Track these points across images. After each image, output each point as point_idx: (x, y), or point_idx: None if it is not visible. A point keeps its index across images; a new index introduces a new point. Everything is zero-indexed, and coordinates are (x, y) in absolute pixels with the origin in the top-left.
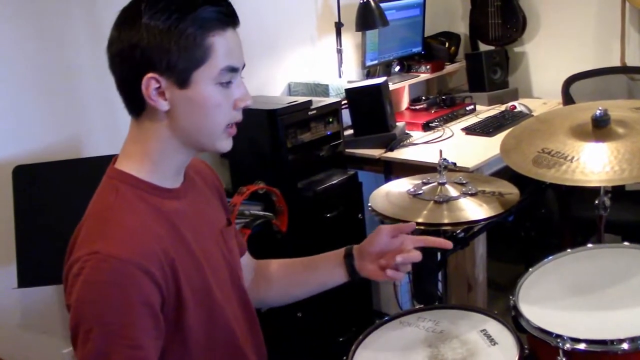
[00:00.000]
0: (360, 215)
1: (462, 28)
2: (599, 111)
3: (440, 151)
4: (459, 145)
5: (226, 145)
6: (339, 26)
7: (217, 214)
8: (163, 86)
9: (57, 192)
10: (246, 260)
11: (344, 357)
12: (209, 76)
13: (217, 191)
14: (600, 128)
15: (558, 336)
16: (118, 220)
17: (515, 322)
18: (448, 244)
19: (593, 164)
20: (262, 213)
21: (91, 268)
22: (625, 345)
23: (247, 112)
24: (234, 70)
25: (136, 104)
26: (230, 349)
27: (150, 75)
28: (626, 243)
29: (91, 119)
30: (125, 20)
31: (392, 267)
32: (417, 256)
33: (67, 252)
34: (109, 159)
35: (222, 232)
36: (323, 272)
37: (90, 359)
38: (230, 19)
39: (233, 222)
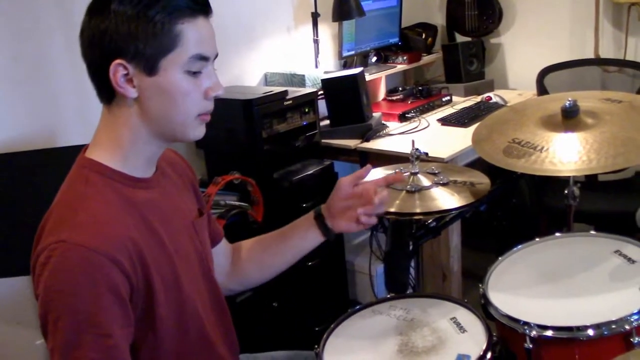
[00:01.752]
0: None
1: (439, 19)
2: (568, 102)
3: (413, 141)
4: (435, 135)
5: (198, 133)
6: (315, 16)
7: (188, 205)
8: (131, 73)
9: (28, 182)
10: (223, 246)
11: (316, 346)
12: (177, 64)
13: (190, 182)
14: (569, 119)
15: (525, 323)
16: (86, 209)
17: (484, 310)
18: (400, 177)
19: (562, 154)
20: (237, 203)
21: (58, 256)
22: (590, 332)
23: (222, 102)
24: (204, 58)
25: (106, 91)
26: (199, 338)
27: (117, 61)
28: (592, 232)
29: (64, 109)
30: (96, 7)
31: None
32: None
33: (34, 241)
34: (81, 149)
35: (194, 223)
36: (297, 238)
37: (61, 349)
38: (201, 7)
39: (208, 212)
